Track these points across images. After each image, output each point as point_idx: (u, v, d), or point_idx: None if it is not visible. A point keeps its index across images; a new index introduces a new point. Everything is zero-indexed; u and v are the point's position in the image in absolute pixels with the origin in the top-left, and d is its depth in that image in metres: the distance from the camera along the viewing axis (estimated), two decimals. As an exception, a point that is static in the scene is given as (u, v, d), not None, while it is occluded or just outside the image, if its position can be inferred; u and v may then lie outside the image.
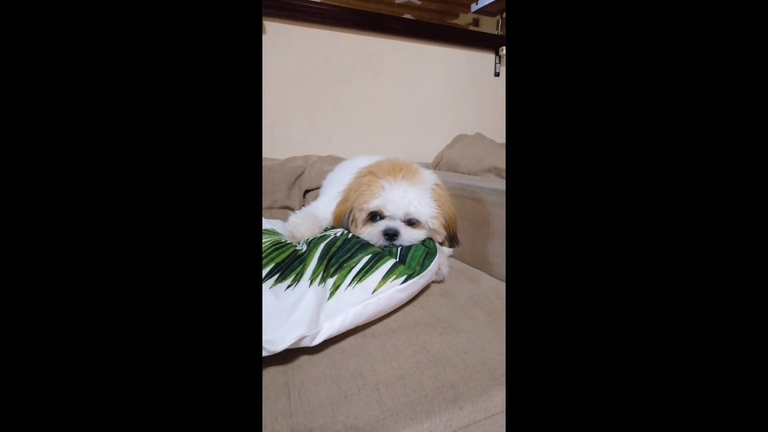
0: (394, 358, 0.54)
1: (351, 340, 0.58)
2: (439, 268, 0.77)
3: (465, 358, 0.54)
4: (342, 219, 0.80)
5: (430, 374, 0.51)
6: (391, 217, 0.77)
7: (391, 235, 0.75)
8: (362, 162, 0.87)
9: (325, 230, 0.80)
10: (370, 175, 0.79)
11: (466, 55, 1.85)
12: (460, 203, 0.96)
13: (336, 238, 0.69)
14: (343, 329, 0.56)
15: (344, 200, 0.81)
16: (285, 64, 1.48)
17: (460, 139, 1.51)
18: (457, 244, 0.86)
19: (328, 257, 0.63)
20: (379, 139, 1.71)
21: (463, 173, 1.25)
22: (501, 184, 0.98)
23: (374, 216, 0.78)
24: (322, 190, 1.03)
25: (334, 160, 1.21)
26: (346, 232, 0.77)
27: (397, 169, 0.79)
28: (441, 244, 0.84)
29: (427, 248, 0.74)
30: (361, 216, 0.77)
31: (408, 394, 0.47)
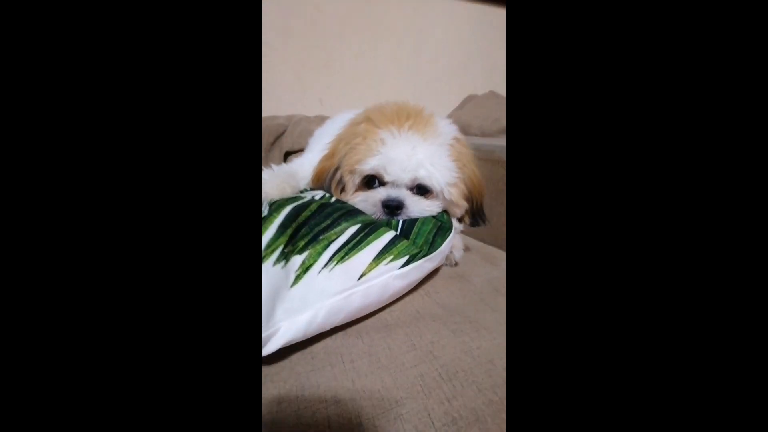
0: (386, 369, 0.37)
1: (326, 340, 0.41)
2: (451, 251, 0.59)
3: (491, 371, 0.37)
4: (324, 179, 0.60)
5: (441, 397, 0.33)
6: (394, 183, 0.56)
7: (392, 207, 0.55)
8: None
9: (302, 192, 0.61)
10: (366, 123, 0.58)
11: (477, 10, 1.63)
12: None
13: (310, 201, 0.50)
14: (312, 332, 0.38)
15: (330, 155, 0.61)
16: (269, 13, 1.26)
17: (470, 99, 1.31)
18: (483, 221, 0.65)
19: (295, 225, 0.44)
20: (377, 102, 1.51)
21: (476, 135, 1.06)
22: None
23: (371, 180, 0.57)
24: (308, 147, 0.82)
25: (323, 120, 1.02)
26: (328, 195, 0.59)
27: (403, 116, 0.57)
28: (460, 220, 0.64)
29: (440, 222, 0.55)
30: (353, 180, 0.57)
31: (407, 433, 0.30)
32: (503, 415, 0.32)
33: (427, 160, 0.55)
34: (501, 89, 1.60)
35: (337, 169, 0.59)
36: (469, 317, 0.46)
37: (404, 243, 0.47)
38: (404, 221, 0.53)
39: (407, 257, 0.46)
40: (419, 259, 0.47)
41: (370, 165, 0.55)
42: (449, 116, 1.29)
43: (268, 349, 0.34)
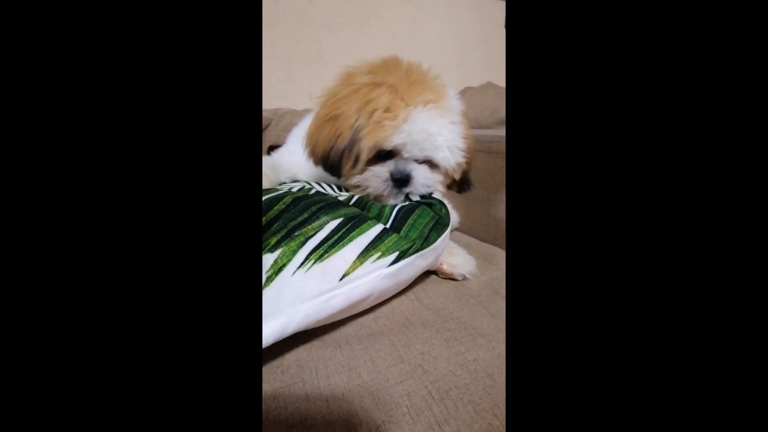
0: (368, 387, 0.31)
1: (299, 350, 0.35)
2: (455, 260, 0.52)
3: (490, 387, 0.31)
4: (325, 149, 0.53)
5: (431, 420, 0.28)
6: (404, 156, 0.52)
7: (401, 180, 0.52)
8: None
9: (280, 185, 0.55)
10: (390, 93, 0.51)
11: (473, 1, 1.58)
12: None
13: (284, 193, 0.44)
14: (282, 337, 0.33)
15: (333, 116, 0.53)
16: (256, 3, 1.22)
17: (467, 90, 1.26)
18: (469, 187, 0.63)
19: (266, 220, 0.38)
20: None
21: (473, 127, 1.01)
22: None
23: (386, 155, 0.53)
24: (289, 139, 0.76)
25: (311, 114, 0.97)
26: (305, 186, 0.53)
27: (421, 87, 0.52)
28: (449, 187, 0.61)
29: (437, 216, 0.50)
30: (368, 153, 0.52)
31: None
32: (505, 443, 0.27)
33: (446, 143, 0.53)
34: (498, 80, 1.55)
35: (353, 144, 0.52)
36: (464, 324, 0.40)
37: (394, 237, 0.42)
38: (398, 211, 0.48)
39: (397, 253, 0.40)
40: (411, 255, 0.42)
41: (393, 143, 0.51)
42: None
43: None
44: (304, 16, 1.31)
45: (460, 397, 0.30)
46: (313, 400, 0.30)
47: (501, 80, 1.58)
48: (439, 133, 0.52)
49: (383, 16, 1.43)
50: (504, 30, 1.68)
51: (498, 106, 1.00)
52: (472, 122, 1.04)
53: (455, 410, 0.29)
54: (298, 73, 1.33)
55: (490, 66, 1.67)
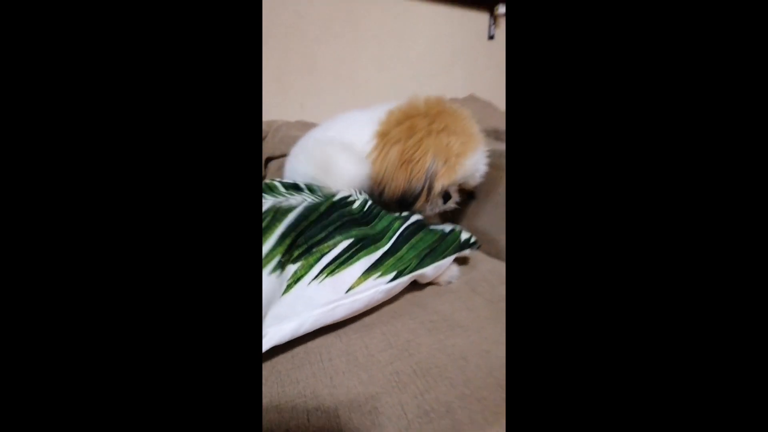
0: (363, 367, 0.38)
1: (305, 339, 0.42)
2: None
3: (464, 367, 0.38)
4: (401, 189, 0.63)
5: (415, 391, 0.35)
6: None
7: (447, 197, 0.70)
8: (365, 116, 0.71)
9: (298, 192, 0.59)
10: (453, 136, 0.64)
11: (459, 14, 1.66)
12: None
13: (312, 208, 0.50)
14: (296, 336, 0.40)
15: (407, 160, 0.62)
16: (251, 17, 1.27)
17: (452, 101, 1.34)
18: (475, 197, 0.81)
19: (294, 235, 0.45)
20: (359, 106, 1.52)
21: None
22: (501, 146, 0.82)
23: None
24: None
25: (305, 126, 1.03)
26: (334, 198, 0.55)
27: (469, 131, 0.67)
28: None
29: (440, 242, 0.55)
30: (441, 191, 0.67)
31: (381, 425, 0.32)
32: (474, 407, 0.34)
33: (480, 173, 0.69)
34: (481, 92, 1.63)
35: (428, 184, 0.63)
36: (445, 316, 0.47)
37: (391, 260, 0.48)
38: (404, 230, 0.53)
39: (395, 273, 0.47)
40: (406, 275, 0.48)
41: (458, 181, 0.67)
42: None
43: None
44: (294, 29, 1.37)
45: (440, 374, 0.37)
46: (319, 377, 0.37)
47: (483, 90, 1.67)
48: (481, 168, 0.68)
49: (372, 29, 1.50)
50: (487, 42, 1.76)
51: (480, 117, 1.08)
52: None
53: (435, 384, 0.36)
54: (289, 84, 1.39)
55: (474, 76, 1.75)
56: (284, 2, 1.32)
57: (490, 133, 1.05)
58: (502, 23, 1.76)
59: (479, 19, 1.71)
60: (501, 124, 1.10)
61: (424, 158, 0.62)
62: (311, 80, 1.42)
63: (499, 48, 1.79)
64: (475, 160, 0.66)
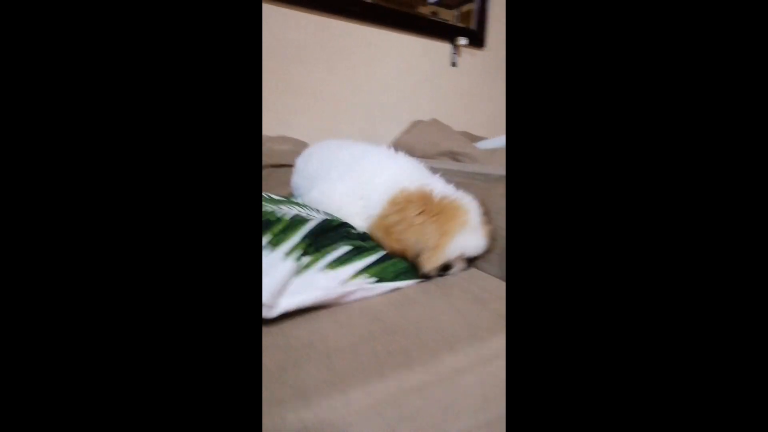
0: (347, 328, 0.53)
1: (302, 311, 0.56)
2: None
3: (418, 327, 0.54)
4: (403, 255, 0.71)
5: (384, 342, 0.50)
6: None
7: (448, 267, 0.73)
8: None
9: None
10: (434, 223, 0.69)
11: (424, 44, 1.85)
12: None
13: (328, 221, 0.69)
14: (300, 307, 0.54)
15: (398, 247, 0.70)
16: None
17: (416, 124, 1.51)
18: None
19: (312, 237, 0.63)
20: (334, 123, 1.67)
21: (420, 157, 1.25)
22: (455, 166, 0.99)
23: None
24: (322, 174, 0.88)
25: (285, 140, 1.17)
26: (330, 218, 0.72)
27: (453, 214, 0.70)
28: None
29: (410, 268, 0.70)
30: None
31: (360, 360, 0.46)
32: (423, 350, 0.48)
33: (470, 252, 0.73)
34: (445, 115, 1.82)
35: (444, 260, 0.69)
36: (407, 296, 0.63)
37: (376, 269, 0.65)
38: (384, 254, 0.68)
39: (377, 278, 0.64)
40: (385, 283, 0.64)
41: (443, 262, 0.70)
42: (397, 138, 1.48)
43: (273, 313, 0.51)
44: (273, 51, 1.49)
45: (400, 331, 0.52)
46: (313, 335, 0.51)
47: (445, 115, 1.86)
48: (470, 248, 0.72)
49: (345, 54, 1.64)
50: (450, 69, 1.97)
51: (439, 140, 1.26)
52: (419, 153, 1.29)
53: (397, 337, 0.51)
54: (270, 103, 1.50)
55: (438, 100, 1.95)
56: (263, 28, 1.46)
57: (446, 154, 1.23)
58: (464, 52, 1.97)
59: (443, 48, 1.92)
60: (458, 146, 1.27)
61: (408, 245, 0.69)
62: (289, 99, 1.55)
63: (461, 74, 2.00)
64: (458, 242, 0.69)
